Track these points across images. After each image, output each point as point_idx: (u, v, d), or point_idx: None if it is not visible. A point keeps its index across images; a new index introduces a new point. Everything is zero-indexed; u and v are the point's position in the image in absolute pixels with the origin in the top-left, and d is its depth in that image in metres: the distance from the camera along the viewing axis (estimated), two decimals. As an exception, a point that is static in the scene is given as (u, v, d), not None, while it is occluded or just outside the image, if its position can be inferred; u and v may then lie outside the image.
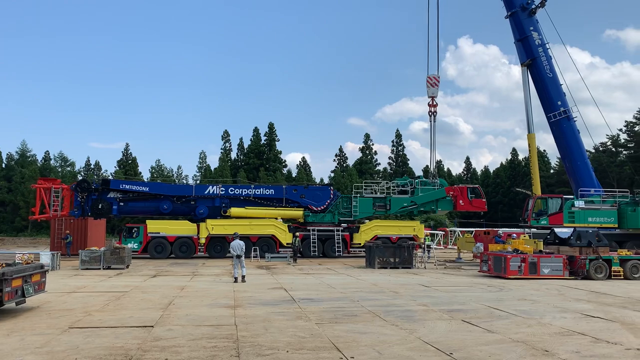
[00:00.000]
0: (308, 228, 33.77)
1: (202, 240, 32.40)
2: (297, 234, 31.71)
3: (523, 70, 34.15)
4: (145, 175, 72.76)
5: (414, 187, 35.47)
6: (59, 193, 32.86)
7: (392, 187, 35.89)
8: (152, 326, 10.35)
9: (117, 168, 72.13)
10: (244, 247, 19.42)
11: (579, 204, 29.82)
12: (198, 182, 69.87)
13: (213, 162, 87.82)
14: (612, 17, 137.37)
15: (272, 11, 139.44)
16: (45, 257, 23.17)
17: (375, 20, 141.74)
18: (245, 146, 78.22)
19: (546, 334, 9.98)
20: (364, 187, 36.39)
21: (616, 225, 29.53)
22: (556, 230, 26.33)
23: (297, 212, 34.29)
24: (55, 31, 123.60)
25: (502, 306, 13.40)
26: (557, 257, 21.43)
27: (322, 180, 77.54)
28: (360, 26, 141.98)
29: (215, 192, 33.82)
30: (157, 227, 32.72)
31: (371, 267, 25.65)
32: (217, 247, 32.70)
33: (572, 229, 24.78)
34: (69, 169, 76.57)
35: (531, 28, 32.91)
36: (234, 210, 33.39)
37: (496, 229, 35.02)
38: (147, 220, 33.42)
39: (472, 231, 41.54)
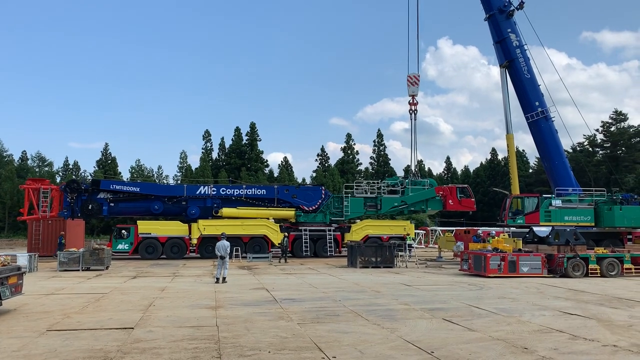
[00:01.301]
0: (300, 228, 33.90)
1: (194, 241, 32.28)
2: (286, 233, 31.92)
3: (502, 71, 34.64)
4: (125, 176, 71.95)
5: (404, 187, 35.78)
6: (47, 194, 32.41)
7: (382, 187, 36.14)
8: (132, 328, 10.23)
9: (97, 168, 71.21)
10: (228, 248, 19.36)
11: (556, 203, 30.26)
12: (179, 182, 69.29)
13: (194, 162, 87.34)
14: (589, 19, 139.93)
15: (253, 11, 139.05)
16: (23, 258, 22.76)
17: (356, 21, 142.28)
18: (227, 146, 77.79)
19: (525, 331, 10.11)
20: (355, 187, 36.62)
21: (593, 224, 30.03)
22: (535, 229, 26.70)
23: (289, 212, 34.38)
24: (34, 28, 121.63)
25: (482, 304, 13.54)
26: (535, 255, 21.72)
27: (304, 180, 77.51)
28: (341, 27, 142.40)
29: (206, 193, 33.78)
30: (148, 227, 32.54)
31: (353, 267, 25.71)
32: (209, 247, 32.37)
33: (550, 228, 25.12)
34: (47, 169, 75.37)
35: (509, 30, 33.37)
36: (226, 211, 33.34)
37: (476, 228, 35.44)
38: (138, 221, 33.18)
39: (453, 230, 41.89)
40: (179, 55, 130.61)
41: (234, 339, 9.30)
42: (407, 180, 36.49)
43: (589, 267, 21.49)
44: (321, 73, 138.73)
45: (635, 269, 22.06)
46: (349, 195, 35.62)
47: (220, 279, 18.70)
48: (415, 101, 37.47)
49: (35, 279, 19.59)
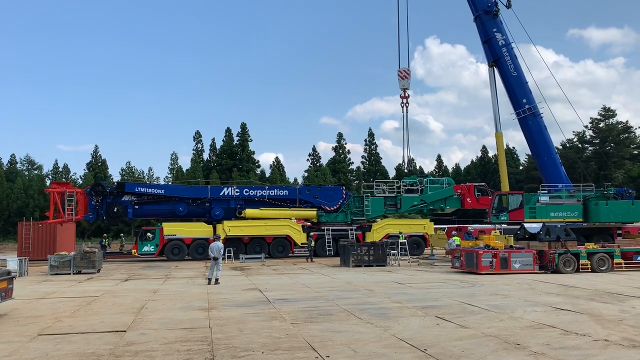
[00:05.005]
0: (322, 228, 34.28)
1: None
2: (312, 233, 32.56)
3: (490, 70, 35.01)
4: (116, 178, 71.48)
5: (423, 186, 36.30)
6: (72, 197, 32.52)
7: (401, 187, 36.68)
8: (125, 331, 10.18)
9: (87, 171, 70.64)
10: (221, 250, 19.34)
11: (544, 199, 30.42)
12: (169, 182, 69.00)
13: (185, 163, 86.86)
14: (575, 16, 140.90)
15: (242, 13, 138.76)
16: (13, 263, 22.57)
17: (345, 21, 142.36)
18: (218, 147, 77.44)
19: (517, 327, 10.17)
20: (375, 187, 37.25)
21: (581, 220, 30.15)
22: (526, 225, 26.85)
23: (311, 212, 34.77)
24: (20, 30, 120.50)
25: (475, 301, 13.60)
26: (527, 252, 21.83)
27: (295, 180, 77.44)
28: (330, 27, 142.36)
29: (230, 194, 34.25)
30: (174, 229, 32.76)
31: (346, 266, 25.73)
32: (234, 247, 32.60)
33: (541, 224, 25.26)
34: (36, 172, 74.67)
35: (494, 30, 33.75)
36: (249, 212, 33.71)
37: (466, 226, 35.76)
38: (163, 223, 33.37)
39: (445, 228, 42.04)
40: (168, 57, 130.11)
41: (227, 340, 9.28)
42: (425, 180, 37.02)
43: (580, 262, 21.63)
44: (310, 72, 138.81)
45: (625, 263, 22.26)
46: (369, 195, 36.12)
47: (213, 280, 18.67)
48: (406, 94, 37.99)
49: (26, 283, 19.43)
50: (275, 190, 35.45)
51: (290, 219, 33.90)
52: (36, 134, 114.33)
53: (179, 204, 33.69)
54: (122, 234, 38.44)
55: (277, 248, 33.27)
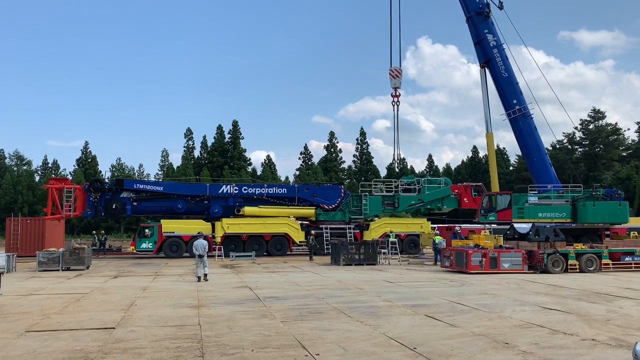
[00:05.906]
0: (320, 226, 34.38)
1: (218, 239, 32.36)
2: (312, 232, 32.62)
3: (481, 71, 35.16)
4: (106, 174, 71.06)
5: (421, 186, 36.51)
6: (71, 193, 32.34)
7: (399, 186, 36.89)
8: (114, 328, 10.13)
9: (77, 167, 70.16)
10: (206, 247, 19.34)
11: (533, 199, 30.59)
12: (160, 179, 68.69)
13: (176, 160, 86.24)
14: (567, 18, 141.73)
15: (235, 9, 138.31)
16: (0, 259, 22.34)
17: (338, 21, 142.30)
18: (209, 144, 77.20)
19: (506, 326, 10.23)
20: (373, 186, 37.43)
21: (569, 220, 30.31)
22: (515, 225, 27.00)
23: (309, 211, 34.86)
24: (9, 25, 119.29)
25: (464, 300, 13.67)
26: (516, 251, 21.98)
27: (287, 178, 77.35)
28: (323, 26, 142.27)
29: (229, 192, 34.32)
30: (172, 226, 32.88)
31: (336, 265, 25.78)
32: (232, 245, 32.68)
33: (531, 225, 25.41)
34: (25, 167, 74.05)
35: (486, 31, 33.92)
36: (248, 209, 33.77)
37: (453, 225, 36.01)
38: (161, 220, 33.42)
39: (435, 227, 42.20)
40: (159, 53, 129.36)
41: (216, 337, 9.26)
42: (422, 179, 37.28)
43: (569, 262, 21.81)
44: (303, 71, 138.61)
45: (613, 264, 22.48)
46: (367, 194, 36.29)
47: (202, 277, 18.64)
48: (397, 93, 38.15)
49: (14, 280, 19.26)
50: (274, 189, 35.58)
51: (289, 217, 33.99)
52: (25, 130, 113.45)
53: (177, 201, 33.76)
54: (93, 232, 38.08)
55: (275, 246, 33.41)
